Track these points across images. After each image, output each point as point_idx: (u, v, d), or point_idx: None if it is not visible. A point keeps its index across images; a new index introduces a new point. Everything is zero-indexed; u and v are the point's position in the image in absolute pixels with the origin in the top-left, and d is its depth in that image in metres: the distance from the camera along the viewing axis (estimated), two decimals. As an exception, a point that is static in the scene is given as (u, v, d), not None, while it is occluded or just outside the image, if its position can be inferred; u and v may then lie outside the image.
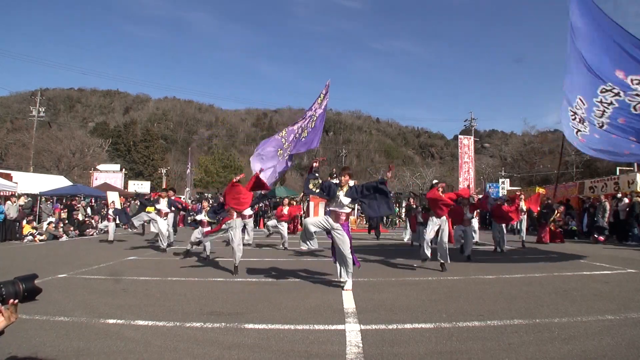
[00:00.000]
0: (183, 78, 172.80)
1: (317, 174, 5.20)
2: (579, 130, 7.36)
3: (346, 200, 4.94)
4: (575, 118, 7.18)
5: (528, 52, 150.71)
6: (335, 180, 5.53)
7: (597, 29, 5.95)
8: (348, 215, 5.05)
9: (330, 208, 5.06)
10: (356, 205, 5.82)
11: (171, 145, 75.48)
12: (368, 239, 12.63)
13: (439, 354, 2.73)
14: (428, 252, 6.75)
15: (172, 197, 9.78)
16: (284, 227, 10.30)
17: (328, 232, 5.08)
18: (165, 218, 9.39)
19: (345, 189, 4.98)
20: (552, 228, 11.51)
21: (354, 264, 4.99)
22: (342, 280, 5.00)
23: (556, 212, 12.19)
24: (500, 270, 6.57)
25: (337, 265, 5.08)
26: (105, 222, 13.11)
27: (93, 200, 19.85)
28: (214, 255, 8.18)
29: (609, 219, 12.26)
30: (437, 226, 6.55)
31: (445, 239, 6.40)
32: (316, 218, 5.17)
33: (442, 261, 6.36)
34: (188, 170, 26.93)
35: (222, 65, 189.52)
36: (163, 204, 9.41)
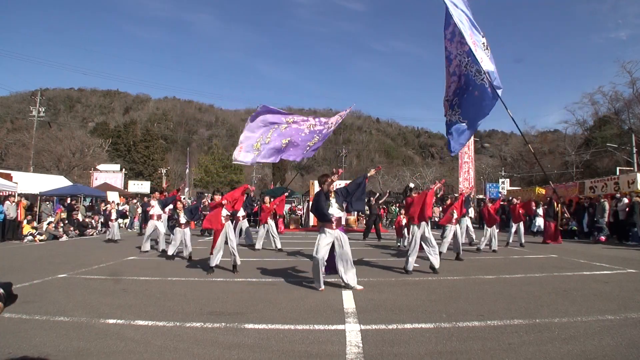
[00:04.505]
0: (183, 78, 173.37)
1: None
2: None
3: (336, 207, 4.89)
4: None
5: (528, 52, 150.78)
6: (337, 180, 5.39)
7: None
8: (339, 219, 4.94)
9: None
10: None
11: (171, 145, 75.45)
12: (370, 240, 12.61)
13: (439, 354, 2.73)
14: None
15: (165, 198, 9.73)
16: (265, 228, 9.81)
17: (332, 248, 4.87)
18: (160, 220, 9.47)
19: (333, 195, 4.89)
20: (562, 227, 11.39)
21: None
22: (354, 284, 4.83)
23: (557, 205, 11.99)
24: (500, 270, 6.57)
25: (342, 271, 4.81)
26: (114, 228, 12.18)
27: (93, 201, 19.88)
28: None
29: (609, 219, 12.25)
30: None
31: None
32: (319, 246, 4.81)
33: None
34: (187, 170, 27.00)
35: (222, 65, 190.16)
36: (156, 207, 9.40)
